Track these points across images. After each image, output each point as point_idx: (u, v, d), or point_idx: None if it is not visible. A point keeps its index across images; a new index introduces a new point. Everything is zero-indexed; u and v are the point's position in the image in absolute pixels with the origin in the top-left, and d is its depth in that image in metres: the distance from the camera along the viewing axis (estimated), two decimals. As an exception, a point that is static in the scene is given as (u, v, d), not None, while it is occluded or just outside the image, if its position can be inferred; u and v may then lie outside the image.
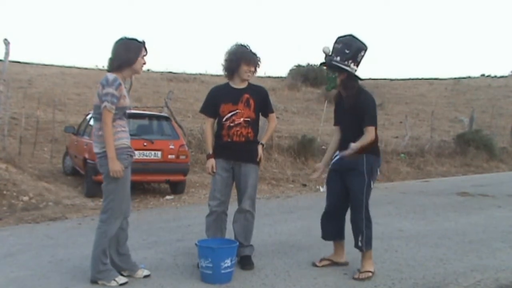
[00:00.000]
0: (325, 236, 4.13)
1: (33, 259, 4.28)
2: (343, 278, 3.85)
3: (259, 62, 4.12)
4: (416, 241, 5.10)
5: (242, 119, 4.04)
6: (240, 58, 4.02)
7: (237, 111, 4.03)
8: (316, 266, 4.08)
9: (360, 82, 3.93)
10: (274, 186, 9.66)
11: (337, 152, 4.04)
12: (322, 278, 3.84)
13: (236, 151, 4.04)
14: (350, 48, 3.75)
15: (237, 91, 4.08)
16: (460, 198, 8.40)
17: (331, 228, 4.06)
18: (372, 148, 3.89)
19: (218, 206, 4.08)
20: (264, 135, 4.33)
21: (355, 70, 3.83)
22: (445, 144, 16.05)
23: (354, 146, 3.74)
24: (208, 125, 4.21)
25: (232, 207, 4.22)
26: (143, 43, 3.64)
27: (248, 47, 4.11)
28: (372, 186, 3.90)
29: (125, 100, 3.58)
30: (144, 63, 3.68)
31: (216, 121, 4.17)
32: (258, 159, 4.13)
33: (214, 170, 4.07)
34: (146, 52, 3.67)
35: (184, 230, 5.56)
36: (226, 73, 4.14)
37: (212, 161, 4.08)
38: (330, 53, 3.82)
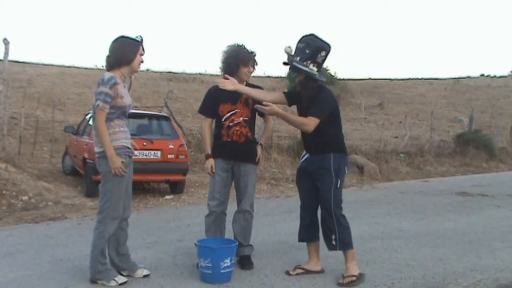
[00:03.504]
0: (301, 237, 4.01)
1: (32, 259, 4.28)
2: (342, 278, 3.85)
3: (256, 61, 4.09)
4: (416, 241, 5.10)
5: (241, 119, 4.04)
6: (239, 60, 4.00)
7: (236, 110, 4.03)
8: (289, 274, 3.89)
9: (323, 81, 3.80)
10: (273, 186, 9.67)
11: (304, 152, 4.00)
12: (321, 278, 3.84)
13: (236, 151, 4.04)
14: (309, 48, 3.62)
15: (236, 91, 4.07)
16: (460, 198, 8.41)
17: (306, 228, 3.96)
18: (340, 147, 3.84)
19: (217, 206, 4.08)
20: (262, 136, 4.32)
21: (316, 71, 3.67)
22: (444, 144, 16.06)
23: (268, 108, 3.60)
24: (206, 125, 4.18)
25: (231, 207, 4.22)
26: (140, 41, 3.64)
27: (244, 47, 4.08)
28: (339, 185, 3.78)
29: (123, 99, 3.56)
30: (142, 62, 3.67)
31: (214, 120, 4.16)
32: (257, 160, 4.13)
33: (214, 170, 4.07)
34: (144, 51, 3.66)
35: (183, 230, 5.56)
36: (224, 74, 4.12)
37: (211, 161, 4.08)
38: (292, 53, 3.68)
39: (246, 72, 4.02)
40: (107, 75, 3.52)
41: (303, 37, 3.69)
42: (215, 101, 4.10)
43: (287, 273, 3.93)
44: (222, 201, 4.09)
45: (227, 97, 4.04)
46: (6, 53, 9.01)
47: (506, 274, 4.01)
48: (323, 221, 3.81)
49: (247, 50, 4.07)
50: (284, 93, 4.01)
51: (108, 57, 3.60)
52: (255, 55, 4.09)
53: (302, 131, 3.84)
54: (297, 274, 3.89)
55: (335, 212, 3.74)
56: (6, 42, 8.96)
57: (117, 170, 3.47)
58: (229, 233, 4.25)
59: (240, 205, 4.12)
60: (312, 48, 3.62)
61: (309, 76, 3.68)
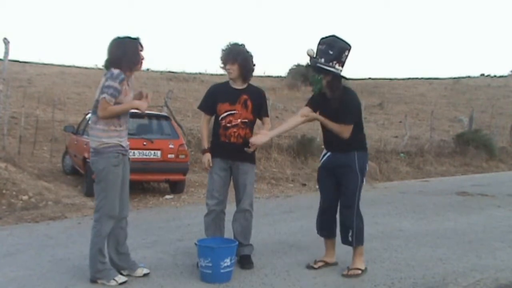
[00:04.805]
0: (322, 232, 4.13)
1: (32, 258, 4.28)
2: (342, 278, 3.85)
3: (243, 61, 3.99)
4: (416, 240, 5.10)
5: (239, 120, 4.03)
6: (222, 57, 4.05)
7: (235, 112, 4.03)
8: (313, 268, 4.03)
9: (344, 81, 3.93)
10: (273, 186, 9.66)
11: (325, 151, 4.07)
12: (321, 277, 3.85)
13: (234, 152, 4.04)
14: (333, 49, 3.74)
15: (236, 91, 4.06)
16: (460, 198, 8.41)
17: (327, 225, 4.07)
18: (362, 145, 3.97)
19: (216, 205, 4.08)
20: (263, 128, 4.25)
21: (340, 71, 3.81)
22: (444, 143, 16.06)
23: (311, 116, 3.90)
24: (204, 121, 4.21)
25: (230, 207, 4.22)
26: (137, 39, 3.62)
27: (237, 45, 4.05)
28: (363, 183, 3.94)
29: (126, 97, 3.57)
30: (143, 59, 3.66)
31: (213, 118, 4.16)
32: (252, 143, 3.98)
33: (211, 165, 4.06)
34: (142, 48, 3.64)
35: (183, 229, 5.56)
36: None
37: (208, 156, 4.08)
38: (315, 55, 3.80)
39: (225, 70, 4.05)
40: (116, 70, 3.50)
41: (323, 39, 3.79)
42: (214, 99, 4.11)
43: (310, 267, 4.02)
44: (221, 200, 4.09)
45: (226, 97, 4.05)
46: (6, 52, 8.99)
47: (506, 274, 4.01)
48: (343, 217, 3.90)
49: (230, 47, 4.03)
50: (308, 106, 4.04)
51: (107, 60, 3.57)
52: (235, 51, 3.99)
53: (339, 136, 3.88)
54: (319, 267, 4.01)
55: (356, 211, 3.87)
56: (6, 41, 8.94)
57: (140, 106, 3.60)
58: (228, 233, 4.25)
59: (239, 204, 4.12)
60: (337, 49, 3.74)
61: (336, 76, 3.80)
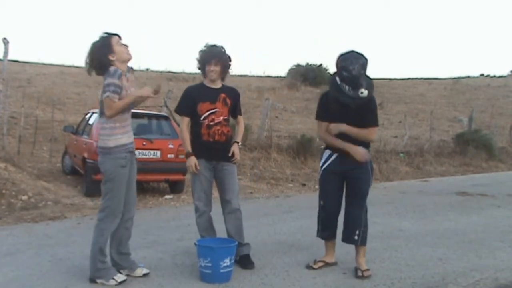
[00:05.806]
0: (324, 234, 4.12)
1: (32, 258, 4.28)
2: (342, 278, 3.86)
3: (225, 61, 4.07)
4: (416, 240, 5.10)
5: (221, 118, 4.08)
6: (203, 59, 4.07)
7: (216, 110, 4.06)
8: (313, 268, 4.03)
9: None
10: (273, 186, 9.66)
11: (329, 152, 4.00)
12: (321, 277, 3.85)
13: (219, 151, 4.07)
14: (364, 68, 3.77)
15: (214, 91, 4.10)
16: (460, 197, 8.41)
17: (331, 227, 4.07)
18: (369, 145, 4.04)
19: (206, 206, 4.13)
20: (238, 134, 4.30)
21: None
22: (444, 143, 16.05)
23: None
24: (184, 125, 4.17)
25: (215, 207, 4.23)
26: (108, 34, 3.56)
27: (217, 46, 4.09)
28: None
29: (126, 93, 3.55)
30: (127, 46, 3.60)
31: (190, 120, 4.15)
32: (233, 156, 4.09)
33: (198, 168, 4.05)
34: (120, 37, 3.58)
35: (183, 229, 5.56)
36: (201, 73, 4.19)
37: (194, 159, 4.05)
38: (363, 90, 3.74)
39: (209, 71, 4.05)
40: (112, 68, 3.48)
41: (350, 59, 3.72)
42: (193, 100, 4.10)
43: (310, 267, 4.03)
44: (210, 200, 4.16)
45: (205, 97, 4.08)
46: (6, 52, 9.00)
47: (506, 274, 4.02)
48: (353, 217, 3.94)
49: (210, 48, 4.07)
50: (321, 119, 4.02)
51: (96, 65, 3.53)
52: (223, 57, 4.05)
53: (367, 141, 3.94)
54: (319, 267, 4.02)
55: (366, 209, 3.96)
56: (5, 41, 8.95)
57: (145, 93, 3.56)
58: (220, 233, 4.25)
59: (229, 204, 4.11)
60: (364, 66, 3.75)
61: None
